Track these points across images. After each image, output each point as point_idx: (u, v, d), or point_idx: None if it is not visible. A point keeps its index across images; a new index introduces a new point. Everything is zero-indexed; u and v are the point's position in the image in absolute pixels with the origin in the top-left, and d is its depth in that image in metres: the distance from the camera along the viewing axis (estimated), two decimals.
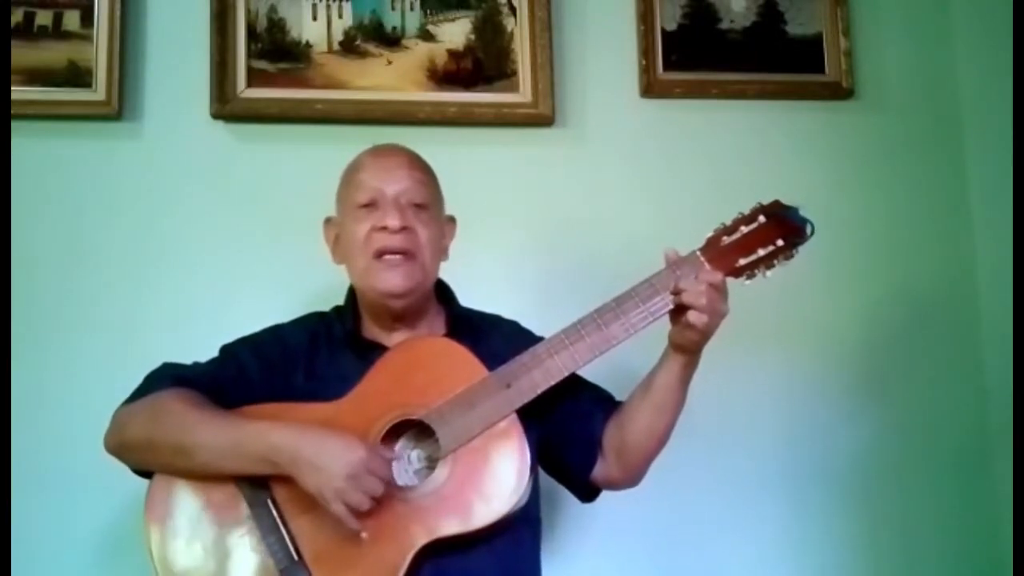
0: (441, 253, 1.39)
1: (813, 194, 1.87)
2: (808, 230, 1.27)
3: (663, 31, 1.91)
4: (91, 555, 1.67)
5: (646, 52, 1.90)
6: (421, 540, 1.19)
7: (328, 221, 1.42)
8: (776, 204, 1.29)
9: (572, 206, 1.86)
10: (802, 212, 1.28)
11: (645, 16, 1.90)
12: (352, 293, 1.41)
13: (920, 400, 1.90)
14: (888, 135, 1.97)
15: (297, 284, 1.69)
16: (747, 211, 1.29)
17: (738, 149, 1.92)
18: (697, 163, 1.90)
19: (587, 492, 1.41)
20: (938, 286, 1.94)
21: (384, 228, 1.30)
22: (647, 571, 1.78)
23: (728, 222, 1.29)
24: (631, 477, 1.38)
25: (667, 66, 1.91)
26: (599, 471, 1.37)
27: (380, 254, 1.31)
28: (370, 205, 1.33)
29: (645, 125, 1.91)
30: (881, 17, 2.01)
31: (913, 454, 1.89)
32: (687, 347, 1.27)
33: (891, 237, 1.94)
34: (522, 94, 1.85)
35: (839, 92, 1.95)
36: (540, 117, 1.85)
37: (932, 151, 1.98)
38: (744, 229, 1.27)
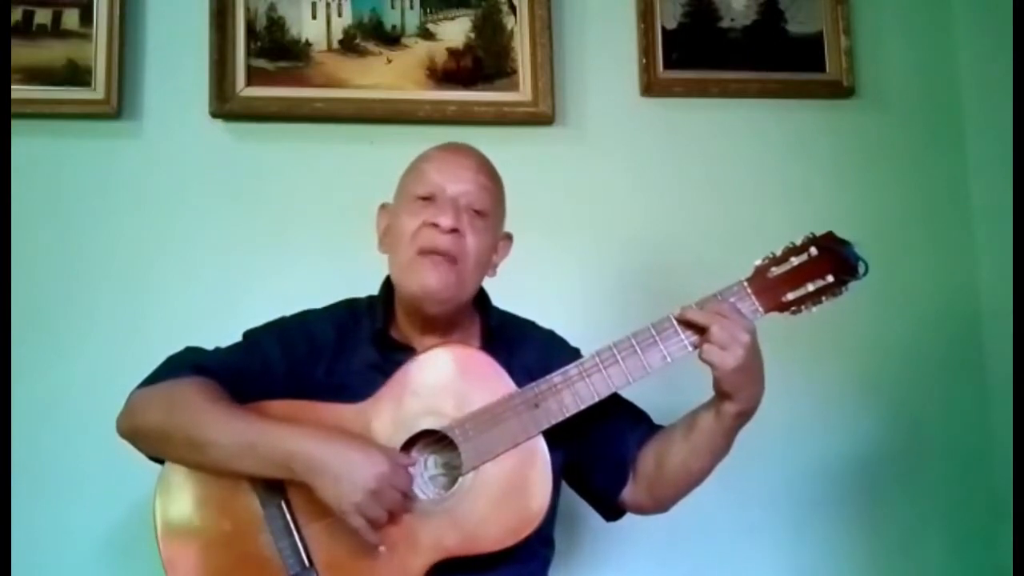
0: (487, 267, 1.32)
1: (813, 193, 1.91)
2: (861, 269, 1.19)
3: (663, 30, 1.91)
4: (92, 557, 1.67)
5: (646, 51, 1.89)
6: (435, 557, 1.17)
7: (383, 208, 1.35)
8: (829, 237, 1.22)
9: (572, 205, 1.85)
10: (857, 248, 1.20)
11: (645, 15, 1.90)
12: (389, 285, 1.34)
13: (921, 401, 1.90)
14: (889, 134, 1.97)
15: (297, 283, 1.68)
16: (798, 241, 1.22)
17: (738, 148, 1.92)
18: (697, 162, 1.90)
19: (613, 512, 1.39)
20: (939, 286, 1.94)
21: (435, 225, 1.24)
22: None
23: (777, 252, 1.22)
24: (659, 506, 1.35)
25: (667, 65, 1.91)
26: (628, 494, 1.33)
27: (424, 251, 1.24)
28: (427, 199, 1.27)
29: (645, 124, 1.90)
30: (882, 15, 2.01)
31: (914, 455, 1.89)
32: (719, 388, 1.20)
33: (892, 236, 1.93)
34: (522, 93, 1.85)
35: (840, 91, 1.95)
36: (540, 116, 1.85)
37: (933, 150, 1.98)
38: (794, 261, 1.20)
